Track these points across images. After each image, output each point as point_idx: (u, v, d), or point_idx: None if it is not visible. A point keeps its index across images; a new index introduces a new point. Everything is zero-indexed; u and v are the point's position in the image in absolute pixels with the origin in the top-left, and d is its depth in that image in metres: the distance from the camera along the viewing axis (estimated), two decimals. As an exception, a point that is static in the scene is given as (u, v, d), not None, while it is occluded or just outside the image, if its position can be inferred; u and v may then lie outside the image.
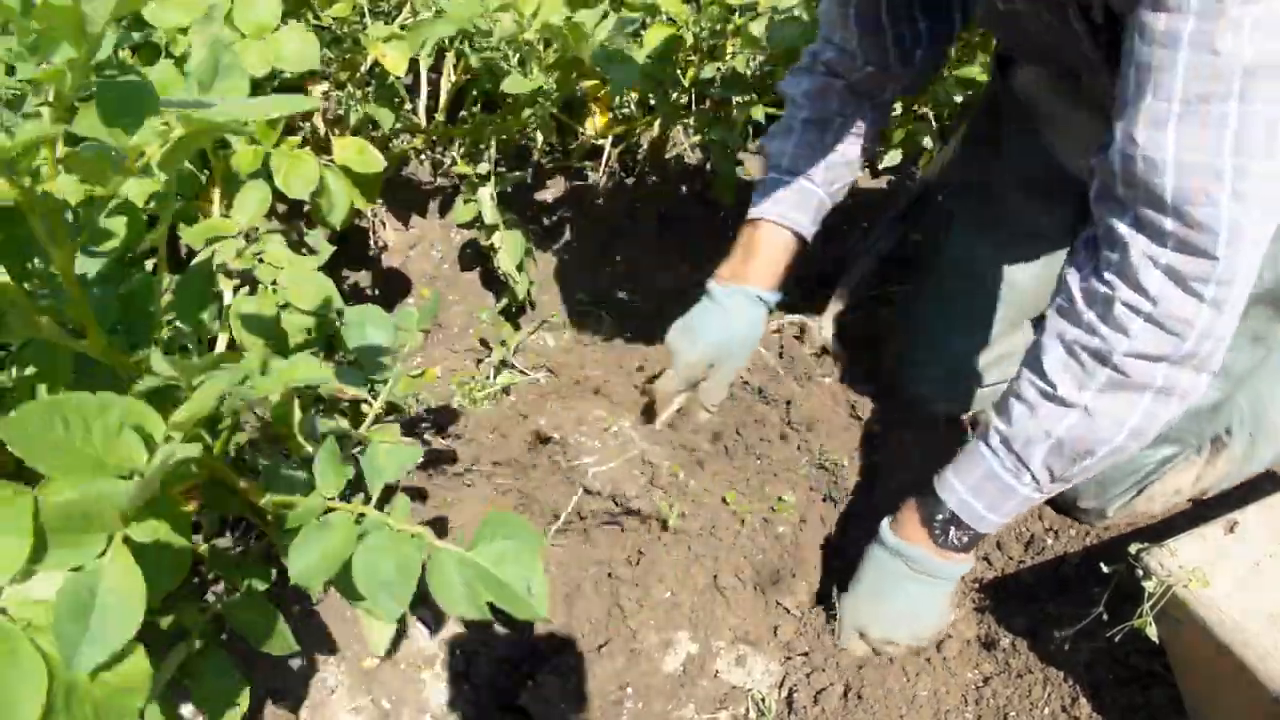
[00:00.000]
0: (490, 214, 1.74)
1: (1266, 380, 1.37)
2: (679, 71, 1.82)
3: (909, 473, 1.51)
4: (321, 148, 1.56)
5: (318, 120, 1.63)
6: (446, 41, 1.76)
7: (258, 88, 1.46)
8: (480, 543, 0.91)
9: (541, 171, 2.07)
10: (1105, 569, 1.18)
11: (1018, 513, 1.13)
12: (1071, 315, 1.01)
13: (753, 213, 1.44)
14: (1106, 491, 1.35)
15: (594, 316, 1.91)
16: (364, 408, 1.17)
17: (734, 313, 1.43)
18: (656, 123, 1.88)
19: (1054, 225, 1.51)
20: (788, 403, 1.56)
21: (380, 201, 1.83)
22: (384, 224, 1.87)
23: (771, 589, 1.39)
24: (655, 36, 1.61)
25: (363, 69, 1.64)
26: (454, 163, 1.86)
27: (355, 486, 0.99)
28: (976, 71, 1.80)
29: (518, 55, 1.60)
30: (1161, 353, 0.96)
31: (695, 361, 1.44)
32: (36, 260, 0.85)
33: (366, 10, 1.59)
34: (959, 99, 1.88)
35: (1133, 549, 1.09)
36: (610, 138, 1.97)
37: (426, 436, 1.59)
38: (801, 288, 1.90)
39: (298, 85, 1.61)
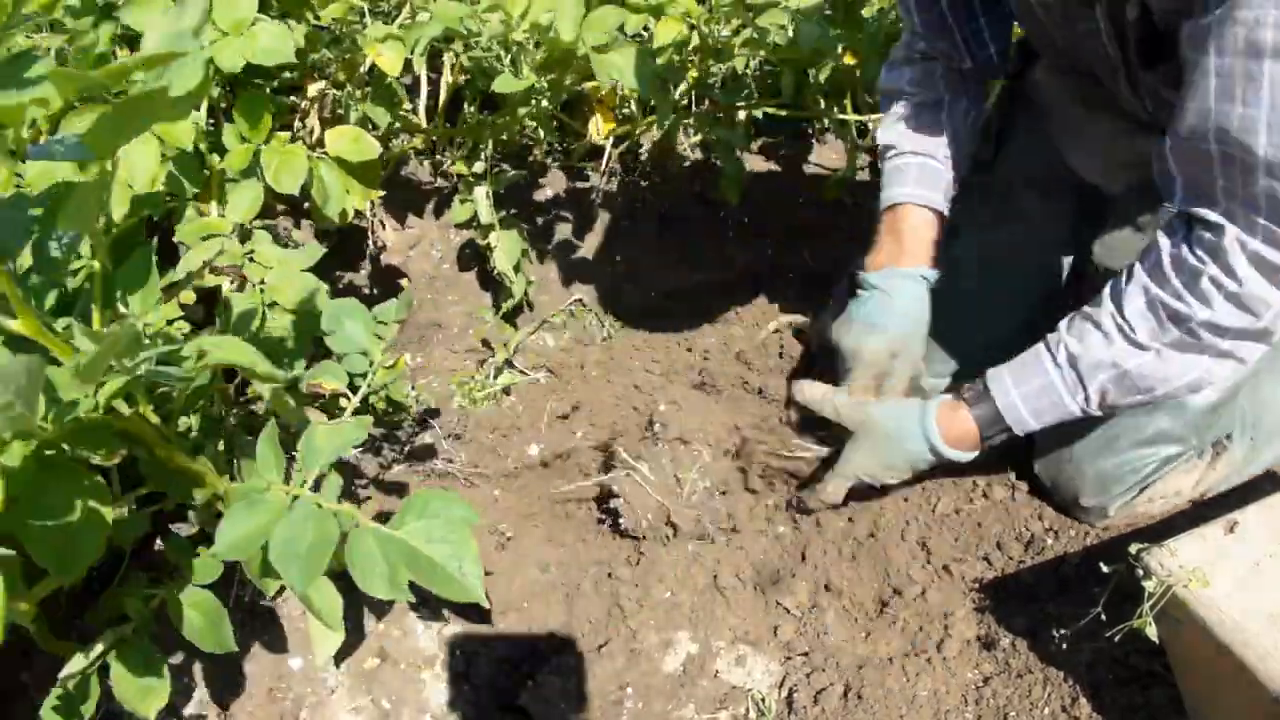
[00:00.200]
0: (486, 214, 1.73)
1: (1268, 384, 1.37)
2: (682, 72, 1.81)
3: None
4: (318, 146, 1.56)
5: (314, 119, 1.63)
6: (444, 42, 1.76)
7: (241, 83, 1.47)
8: (408, 520, 0.90)
9: (541, 171, 2.07)
10: (1105, 569, 1.18)
11: (1052, 424, 1.21)
12: (1158, 276, 1.07)
13: (887, 200, 1.43)
14: (1108, 490, 1.35)
15: (594, 316, 1.90)
16: (342, 402, 1.17)
17: (903, 295, 1.39)
18: (657, 124, 1.87)
19: (1059, 225, 1.51)
20: (788, 403, 1.56)
21: (379, 201, 1.83)
22: (383, 224, 1.87)
23: (771, 589, 1.39)
24: (666, 33, 1.60)
25: (361, 69, 1.63)
26: (453, 162, 1.86)
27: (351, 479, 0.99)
28: None
29: (509, 56, 1.59)
30: (1238, 326, 1.04)
31: (880, 352, 1.37)
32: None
33: (366, 10, 1.59)
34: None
35: (1133, 549, 1.09)
36: (611, 138, 1.97)
37: (427, 437, 1.59)
38: (802, 287, 1.90)
39: (296, 85, 1.61)
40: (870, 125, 2.04)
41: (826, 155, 2.23)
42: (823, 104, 1.93)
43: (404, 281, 1.84)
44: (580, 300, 1.92)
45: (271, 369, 0.98)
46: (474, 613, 1.35)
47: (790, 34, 1.65)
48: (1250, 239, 0.99)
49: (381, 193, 1.60)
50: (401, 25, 1.58)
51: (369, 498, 1.45)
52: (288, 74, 1.56)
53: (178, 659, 1.22)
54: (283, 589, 1.22)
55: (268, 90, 1.50)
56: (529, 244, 1.84)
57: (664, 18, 1.58)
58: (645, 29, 1.62)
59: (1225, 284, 1.02)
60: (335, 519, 0.89)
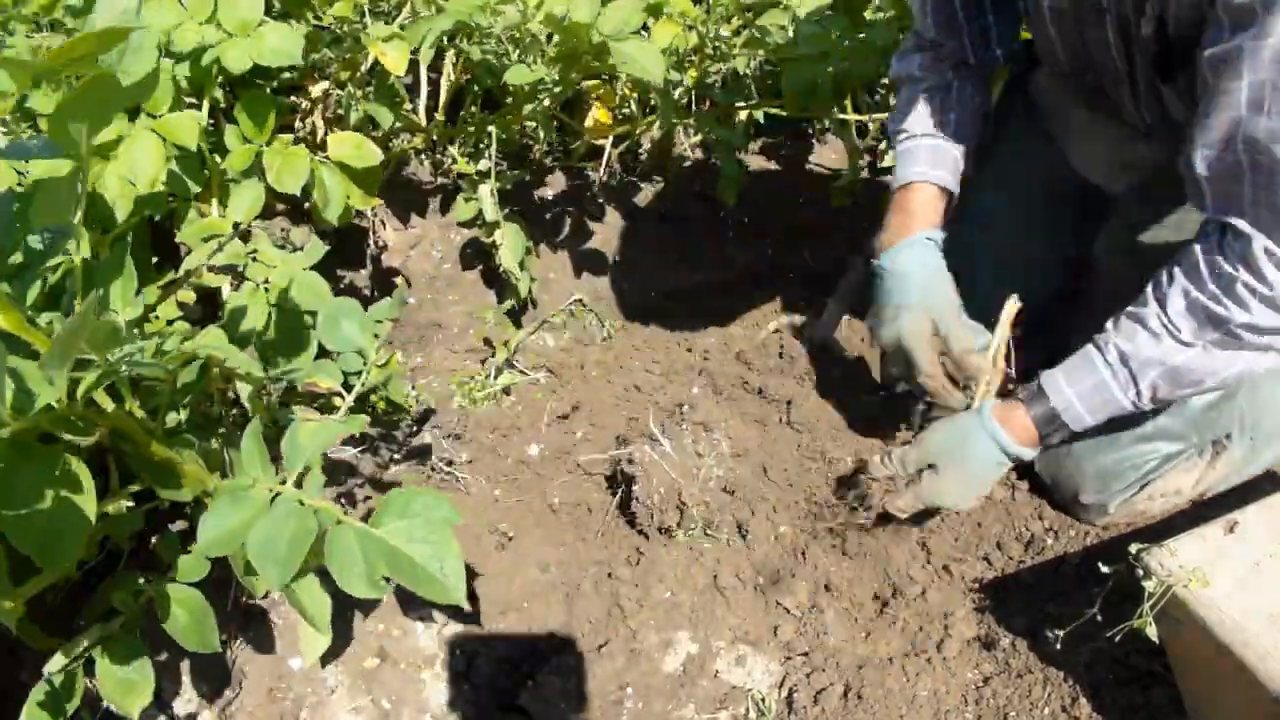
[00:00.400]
0: (491, 211, 1.74)
1: (1267, 386, 1.37)
2: (681, 72, 1.81)
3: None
4: (320, 146, 1.56)
5: (316, 119, 1.63)
6: (446, 40, 1.76)
7: (243, 84, 1.47)
8: (388, 519, 0.89)
9: (542, 171, 2.07)
10: (1105, 569, 1.18)
11: (1105, 419, 1.24)
12: (1196, 280, 1.11)
13: (898, 180, 1.45)
14: (1109, 487, 1.35)
15: (594, 316, 1.90)
16: (337, 400, 1.17)
17: (914, 264, 1.40)
18: (658, 124, 1.87)
19: (1061, 223, 1.51)
20: (788, 403, 1.56)
21: (380, 201, 1.83)
22: (384, 223, 1.87)
23: (771, 589, 1.39)
24: (663, 35, 1.60)
25: (363, 68, 1.63)
26: (454, 162, 1.86)
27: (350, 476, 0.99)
28: None
29: (519, 49, 1.59)
30: (1273, 326, 1.08)
31: (918, 332, 1.38)
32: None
33: (367, 10, 1.59)
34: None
35: (1133, 549, 1.09)
36: (611, 137, 1.97)
37: (426, 437, 1.59)
38: (802, 288, 1.90)
39: (297, 85, 1.61)
40: (870, 125, 2.04)
41: (826, 155, 2.23)
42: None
43: (399, 280, 1.85)
44: (580, 300, 1.92)
45: (247, 365, 0.98)
46: (474, 612, 1.35)
47: (790, 34, 1.65)
48: (1277, 248, 1.02)
49: (380, 201, 1.60)
50: (403, 24, 1.58)
51: (367, 497, 1.45)
52: (288, 74, 1.56)
53: (177, 658, 1.22)
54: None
55: (268, 90, 1.50)
56: (530, 243, 1.84)
57: (662, 18, 1.58)
58: (644, 27, 1.62)
59: (1258, 289, 1.05)
60: (315, 516, 0.88)
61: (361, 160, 1.47)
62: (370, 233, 1.85)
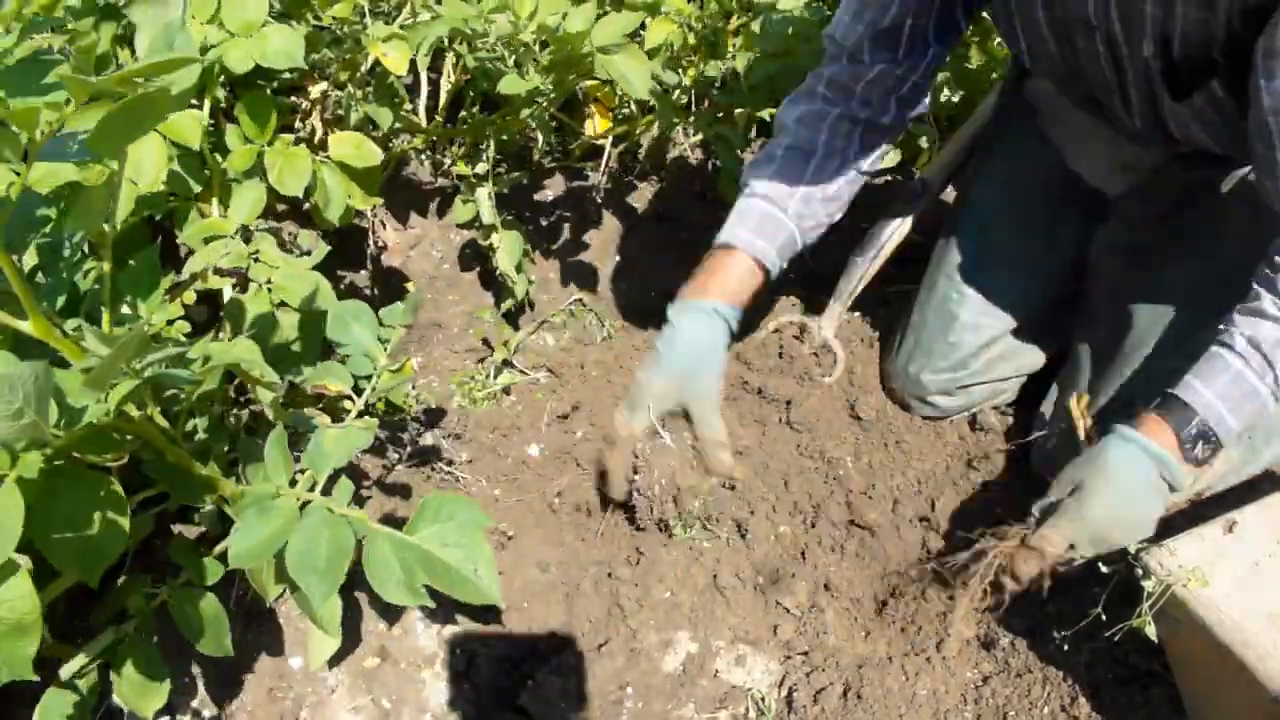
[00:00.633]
0: (488, 214, 1.74)
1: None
2: (679, 71, 1.81)
3: (909, 472, 1.51)
4: (320, 146, 1.56)
5: (316, 119, 1.63)
6: (445, 42, 1.76)
7: (244, 84, 1.47)
8: (421, 525, 0.90)
9: (541, 172, 2.07)
10: (1105, 569, 1.18)
11: (1249, 420, 1.15)
12: None
13: (720, 238, 1.36)
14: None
15: (594, 316, 1.91)
16: (346, 404, 1.17)
17: (689, 335, 1.31)
18: (658, 124, 1.88)
19: (1063, 226, 1.52)
20: (788, 403, 1.56)
21: (380, 202, 1.83)
22: (383, 224, 1.87)
23: (771, 589, 1.39)
24: (658, 34, 1.60)
25: (363, 69, 1.63)
26: (454, 163, 1.86)
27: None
28: (975, 56, 1.80)
29: (514, 56, 1.59)
30: None
31: (653, 393, 1.29)
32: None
33: (367, 10, 1.59)
34: (955, 99, 1.89)
35: (1132, 548, 1.09)
36: (610, 138, 1.97)
37: (427, 437, 1.59)
38: (801, 288, 1.90)
39: (297, 85, 1.61)
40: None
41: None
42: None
43: (409, 286, 1.85)
44: (580, 300, 1.92)
45: (271, 374, 0.98)
46: (474, 612, 1.35)
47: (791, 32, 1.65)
48: None
49: (381, 200, 1.60)
50: (403, 25, 1.58)
51: (370, 498, 1.45)
52: (288, 74, 1.56)
53: (178, 658, 1.22)
54: (283, 592, 1.22)
55: (269, 91, 1.51)
56: (530, 244, 1.84)
57: (658, 17, 1.58)
58: (641, 26, 1.62)
59: None
60: (349, 525, 0.89)
61: (362, 160, 1.47)
62: (370, 233, 1.85)
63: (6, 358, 0.79)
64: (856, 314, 1.76)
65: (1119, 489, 1.15)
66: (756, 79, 1.69)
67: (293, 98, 1.62)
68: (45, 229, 0.91)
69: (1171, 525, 1.37)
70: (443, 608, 1.34)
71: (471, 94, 1.88)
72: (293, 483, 0.96)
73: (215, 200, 1.41)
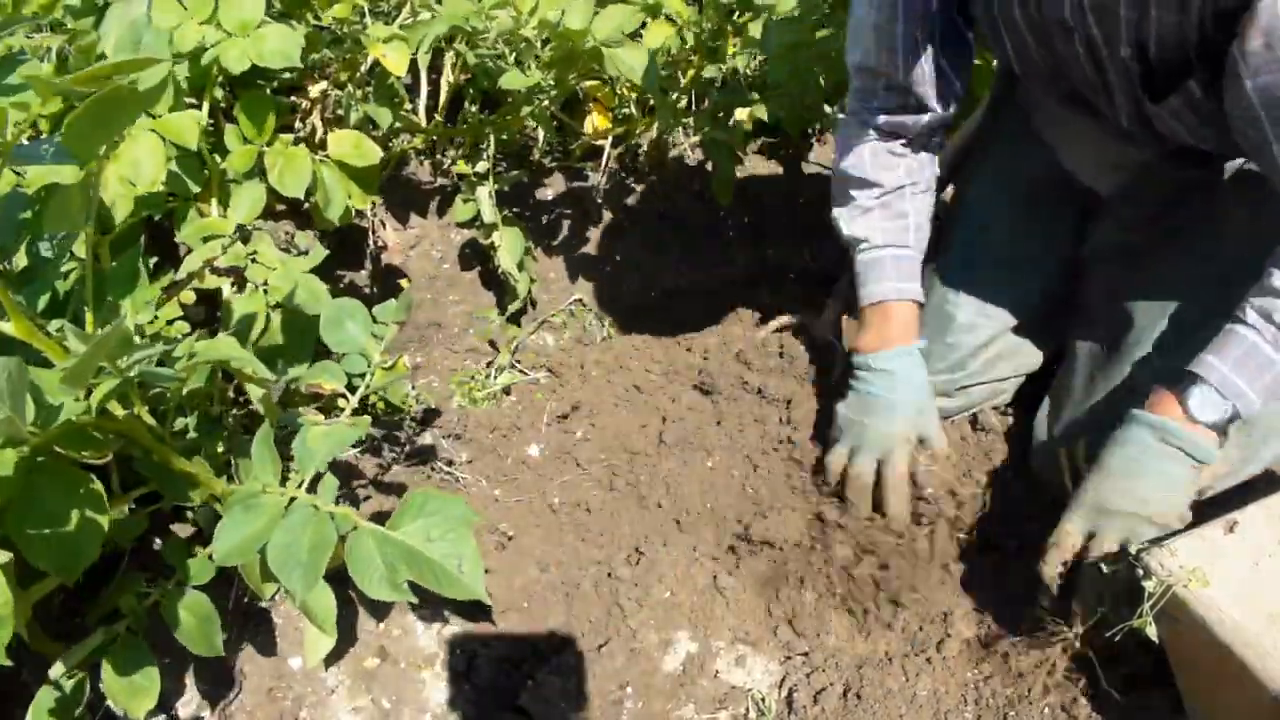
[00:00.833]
0: (489, 213, 1.74)
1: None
2: (678, 72, 1.81)
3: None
4: (319, 146, 1.56)
5: (315, 119, 1.63)
6: (445, 41, 1.76)
7: (243, 84, 1.47)
8: (405, 520, 0.90)
9: (541, 171, 2.07)
10: (1105, 569, 1.18)
11: (1270, 394, 1.17)
12: None
13: (869, 297, 1.46)
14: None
15: (594, 316, 1.91)
16: (340, 402, 1.17)
17: (906, 371, 1.42)
18: (658, 125, 1.87)
19: (1056, 225, 1.51)
20: (788, 402, 1.56)
21: (380, 201, 1.83)
22: (383, 224, 1.87)
23: (771, 589, 1.39)
24: (656, 36, 1.60)
25: (362, 69, 1.64)
26: (453, 162, 1.86)
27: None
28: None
29: (514, 53, 1.59)
30: None
31: (900, 436, 1.39)
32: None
33: (366, 10, 1.59)
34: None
35: (1132, 549, 1.09)
36: (610, 138, 1.97)
37: (427, 437, 1.59)
38: (802, 288, 1.90)
39: (296, 85, 1.61)
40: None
41: (826, 155, 2.23)
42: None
43: (404, 282, 1.85)
44: (580, 300, 1.93)
45: (263, 371, 0.98)
46: (474, 612, 1.35)
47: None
48: None
49: (380, 200, 1.60)
50: (403, 25, 1.58)
51: (368, 498, 1.45)
52: (287, 74, 1.56)
53: (176, 659, 1.22)
54: (278, 590, 1.22)
55: (268, 90, 1.51)
56: (530, 243, 1.84)
57: (657, 19, 1.59)
58: (642, 26, 1.62)
59: None
60: (333, 521, 0.89)
61: (361, 158, 1.47)
62: (370, 233, 1.85)
63: None
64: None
65: (1119, 463, 1.19)
66: (777, 74, 1.69)
67: (292, 97, 1.62)
68: (26, 231, 0.91)
69: (1172, 525, 1.38)
70: (442, 607, 1.34)
71: (471, 93, 1.88)
72: (285, 481, 0.96)
73: (214, 200, 1.41)
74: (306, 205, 1.58)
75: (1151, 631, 1.04)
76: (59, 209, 0.78)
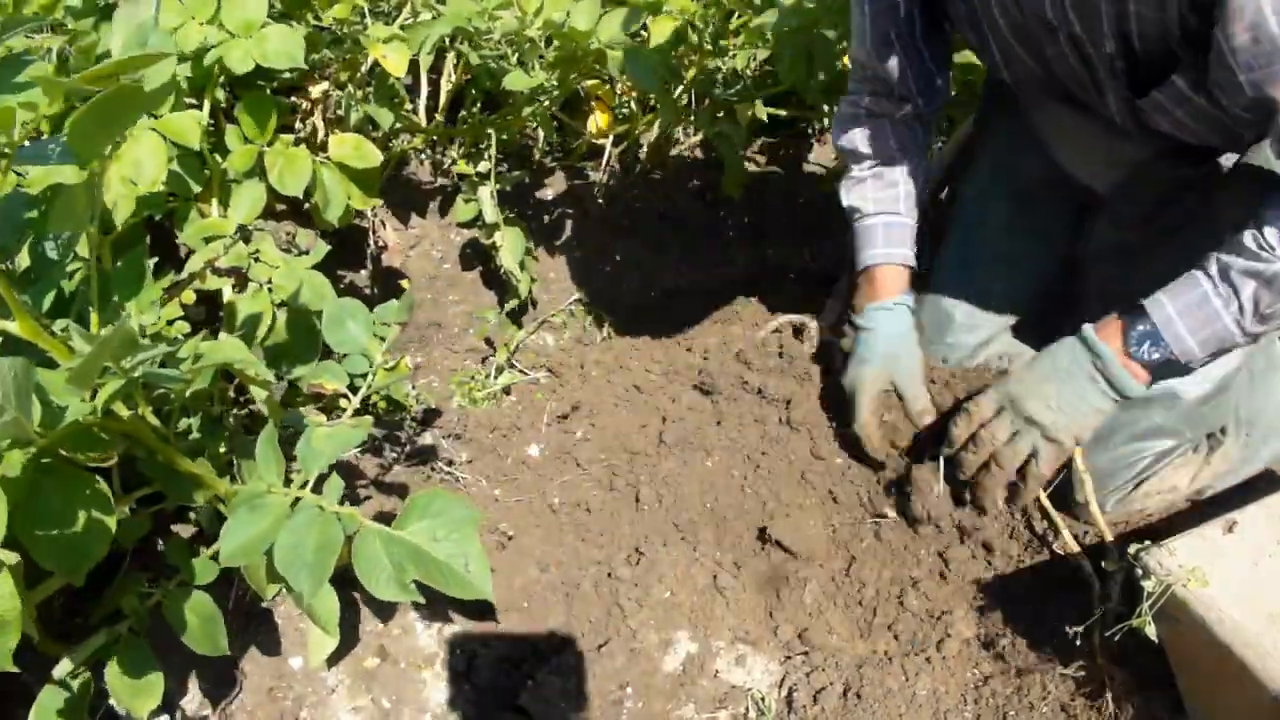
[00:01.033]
0: (491, 213, 1.74)
1: (1262, 383, 1.37)
2: (681, 70, 1.81)
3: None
4: (320, 147, 1.56)
5: (316, 120, 1.63)
6: (446, 42, 1.76)
7: (244, 84, 1.47)
8: (410, 520, 0.90)
9: (542, 171, 2.07)
10: (1105, 569, 1.18)
11: (1212, 349, 1.18)
12: None
13: (861, 263, 1.51)
14: (1104, 487, 1.35)
15: (594, 316, 1.91)
16: (342, 402, 1.17)
17: (884, 325, 1.47)
18: (659, 123, 1.88)
19: (1053, 223, 1.51)
20: (787, 402, 1.56)
21: (380, 201, 1.83)
22: (384, 224, 1.87)
23: (771, 589, 1.39)
24: (661, 30, 1.61)
25: (363, 69, 1.64)
26: (454, 162, 1.86)
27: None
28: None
29: (517, 54, 1.60)
30: None
31: (875, 380, 1.44)
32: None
33: (367, 11, 1.59)
34: (955, 95, 1.88)
35: (1132, 549, 1.09)
36: (611, 137, 1.97)
37: (427, 437, 1.60)
38: (801, 287, 1.90)
39: (297, 85, 1.61)
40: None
41: (826, 155, 2.24)
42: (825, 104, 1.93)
43: (404, 282, 1.85)
44: (580, 300, 1.93)
45: (265, 372, 0.98)
46: (474, 612, 1.35)
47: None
48: None
49: (381, 200, 1.60)
50: (403, 25, 1.58)
51: (369, 498, 1.45)
52: (288, 74, 1.57)
53: (177, 659, 1.22)
54: (280, 590, 1.22)
55: (269, 91, 1.51)
56: (530, 243, 1.84)
57: (660, 15, 1.59)
58: (643, 27, 1.62)
59: None
60: (338, 522, 0.89)
61: (362, 160, 1.47)
62: (370, 233, 1.85)
63: None
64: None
65: (1046, 363, 1.27)
66: (786, 62, 1.70)
67: (293, 98, 1.62)
68: (30, 230, 0.91)
69: (1173, 525, 1.38)
70: (442, 607, 1.34)
71: (473, 93, 1.89)
72: (288, 482, 0.96)
73: (215, 200, 1.41)
74: (307, 206, 1.58)
75: (1151, 631, 1.04)
76: (64, 209, 0.78)
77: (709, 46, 1.74)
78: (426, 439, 1.59)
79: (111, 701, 1.09)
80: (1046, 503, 1.38)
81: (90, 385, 0.76)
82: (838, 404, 1.52)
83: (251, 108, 1.41)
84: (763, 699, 1.27)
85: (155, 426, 0.95)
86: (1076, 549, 1.31)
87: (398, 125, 1.71)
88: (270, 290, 1.30)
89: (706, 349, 1.75)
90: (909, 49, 1.40)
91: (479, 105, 1.91)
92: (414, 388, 1.68)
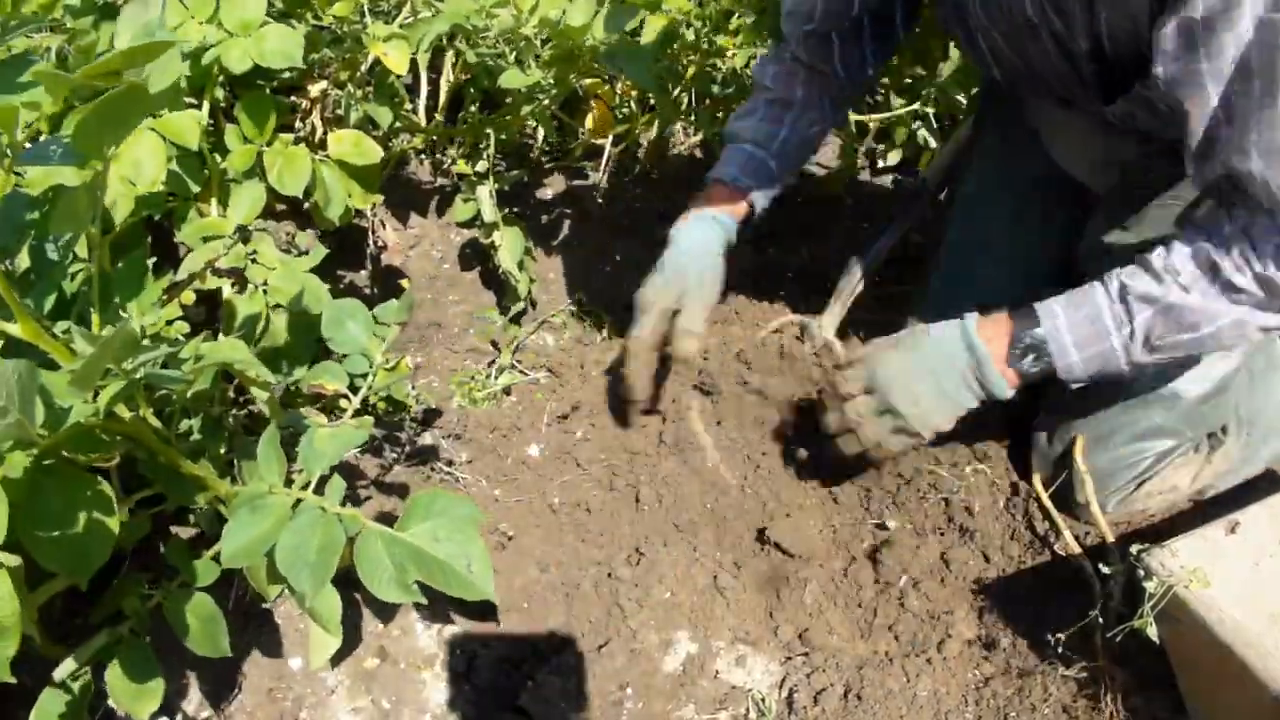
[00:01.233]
0: (489, 212, 1.74)
1: (1262, 383, 1.37)
2: (679, 69, 1.81)
3: (907, 471, 1.51)
4: (320, 146, 1.56)
5: (315, 119, 1.63)
6: (445, 40, 1.76)
7: (243, 83, 1.47)
8: (413, 521, 0.90)
9: (541, 170, 2.07)
10: (1105, 569, 1.18)
11: (1097, 369, 1.15)
12: (1208, 228, 1.06)
13: (709, 176, 1.50)
14: (1105, 487, 1.35)
15: (594, 316, 1.90)
16: (343, 403, 1.17)
17: (688, 238, 1.45)
18: (659, 123, 1.87)
19: (1052, 222, 1.51)
20: (788, 402, 1.56)
21: (380, 201, 1.83)
22: (383, 224, 1.87)
23: (771, 589, 1.39)
24: (654, 28, 1.61)
25: (363, 68, 1.63)
26: (453, 162, 1.86)
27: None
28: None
29: (514, 52, 1.59)
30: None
31: (659, 291, 1.42)
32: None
33: (366, 10, 1.59)
34: (960, 97, 1.88)
35: (1133, 549, 1.09)
36: (610, 136, 1.97)
37: (427, 437, 1.59)
38: (801, 287, 1.90)
39: (296, 85, 1.61)
40: (870, 125, 2.04)
41: (826, 154, 2.23)
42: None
43: (404, 282, 1.85)
44: (580, 300, 1.92)
45: (265, 373, 0.98)
46: (474, 612, 1.35)
47: None
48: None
49: (381, 197, 1.60)
50: (403, 24, 1.58)
51: (369, 498, 1.45)
52: (287, 74, 1.56)
53: (177, 660, 1.22)
54: (282, 591, 1.22)
55: (268, 90, 1.50)
56: (530, 243, 1.84)
57: (654, 14, 1.59)
58: (640, 25, 1.62)
59: (1253, 264, 1.02)
60: (340, 523, 0.89)
61: (362, 157, 1.47)
62: (370, 233, 1.85)
63: None
64: (857, 314, 1.76)
65: (919, 353, 1.24)
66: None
67: (292, 97, 1.62)
68: (31, 231, 0.91)
69: (1174, 526, 1.38)
70: (442, 607, 1.34)
71: (472, 92, 1.88)
72: (289, 483, 0.96)
73: (214, 200, 1.41)
74: (307, 205, 1.58)
75: (1152, 632, 1.04)
76: (66, 210, 0.78)
77: (706, 46, 1.74)
78: (427, 439, 1.59)
79: (111, 703, 1.09)
80: (1048, 503, 1.39)
81: (92, 387, 0.76)
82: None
83: (250, 107, 1.41)
84: (763, 700, 1.27)
85: (156, 428, 0.95)
86: (1077, 549, 1.31)
87: (397, 124, 1.71)
88: (266, 292, 1.29)
89: (706, 349, 1.75)
90: (849, 43, 1.43)
91: (478, 105, 1.91)
92: (414, 388, 1.67)
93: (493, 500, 1.51)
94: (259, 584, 1.03)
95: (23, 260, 0.94)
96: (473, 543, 0.88)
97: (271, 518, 0.89)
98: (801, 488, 1.50)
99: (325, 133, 1.61)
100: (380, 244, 1.86)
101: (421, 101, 1.85)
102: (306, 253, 1.46)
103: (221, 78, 1.41)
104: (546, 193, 2.05)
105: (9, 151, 0.73)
